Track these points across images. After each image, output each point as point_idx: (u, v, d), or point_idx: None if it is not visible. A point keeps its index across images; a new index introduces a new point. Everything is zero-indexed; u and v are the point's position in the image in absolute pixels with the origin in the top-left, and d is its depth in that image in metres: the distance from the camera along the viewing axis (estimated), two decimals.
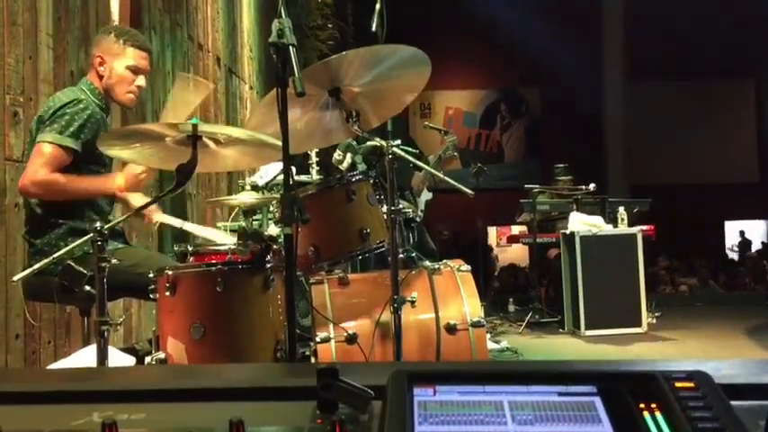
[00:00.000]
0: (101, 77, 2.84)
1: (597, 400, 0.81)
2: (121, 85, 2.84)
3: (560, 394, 0.82)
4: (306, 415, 0.82)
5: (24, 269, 2.34)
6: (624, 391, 0.82)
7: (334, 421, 0.77)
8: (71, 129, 2.65)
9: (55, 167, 2.63)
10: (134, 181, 2.79)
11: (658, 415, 0.78)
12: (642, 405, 0.79)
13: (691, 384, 0.81)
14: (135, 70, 2.85)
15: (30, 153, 2.73)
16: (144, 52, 2.89)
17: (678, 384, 0.81)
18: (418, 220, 5.14)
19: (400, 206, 2.58)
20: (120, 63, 2.83)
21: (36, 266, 2.13)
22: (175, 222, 3.07)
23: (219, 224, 4.51)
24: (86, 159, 2.73)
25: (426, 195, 5.37)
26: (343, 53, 2.51)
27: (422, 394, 0.82)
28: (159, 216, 3.08)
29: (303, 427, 0.79)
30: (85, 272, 2.33)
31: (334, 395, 0.81)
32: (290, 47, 2.02)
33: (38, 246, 2.70)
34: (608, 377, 0.84)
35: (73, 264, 2.37)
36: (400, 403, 0.78)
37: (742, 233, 15.89)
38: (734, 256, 14.97)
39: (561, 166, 7.04)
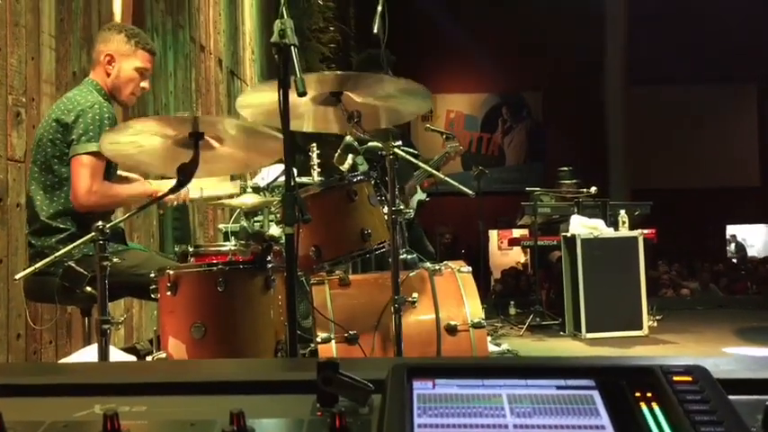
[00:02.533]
0: (108, 75, 2.84)
1: (596, 394, 0.81)
2: (128, 86, 2.87)
3: (559, 388, 0.82)
4: (306, 408, 0.82)
5: (26, 269, 2.34)
6: (622, 384, 0.82)
7: (334, 414, 0.78)
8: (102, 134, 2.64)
9: (101, 176, 2.67)
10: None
11: (656, 408, 0.78)
12: (640, 398, 0.79)
13: (689, 378, 0.81)
14: (142, 72, 2.88)
15: (39, 154, 2.72)
16: (152, 56, 2.94)
17: (676, 378, 0.81)
18: (408, 218, 5.11)
19: (401, 207, 2.59)
20: (130, 64, 2.85)
21: (38, 265, 2.14)
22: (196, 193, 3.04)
23: (221, 226, 4.52)
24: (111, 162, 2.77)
25: (419, 195, 5.33)
26: (353, 73, 2.53)
27: (421, 387, 0.82)
28: (191, 193, 3.03)
29: (303, 420, 0.80)
30: (86, 273, 2.34)
31: (335, 388, 0.82)
32: (292, 47, 2.02)
33: (38, 248, 2.70)
34: (606, 371, 0.85)
35: (74, 265, 2.38)
36: (400, 396, 0.79)
37: (734, 237, 15.86)
38: (735, 260, 14.92)
39: (566, 169, 7.01)
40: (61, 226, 2.70)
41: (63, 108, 2.73)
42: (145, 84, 2.91)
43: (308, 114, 2.73)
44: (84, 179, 2.64)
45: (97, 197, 2.66)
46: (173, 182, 2.80)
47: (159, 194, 2.73)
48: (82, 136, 2.65)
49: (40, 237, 2.71)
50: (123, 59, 2.84)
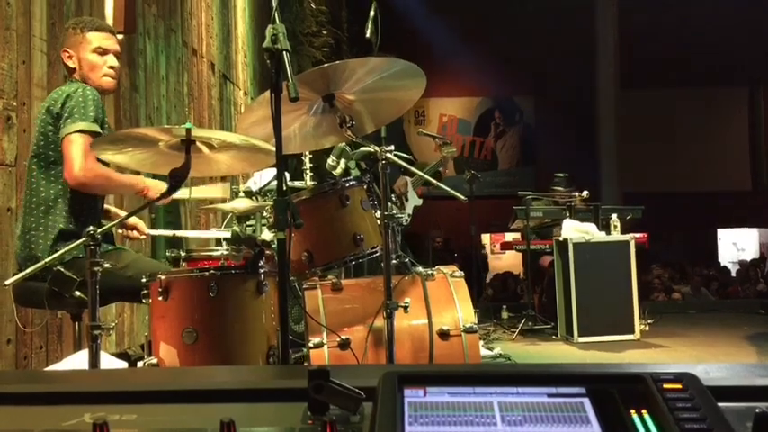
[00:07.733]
0: (75, 71, 2.83)
1: (586, 402, 0.81)
2: (95, 71, 2.82)
3: (550, 395, 0.82)
4: (297, 416, 0.82)
5: (16, 274, 2.33)
6: (613, 392, 0.82)
7: (325, 422, 0.77)
8: (90, 113, 2.64)
9: (92, 154, 2.62)
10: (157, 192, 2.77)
11: (646, 416, 0.78)
12: (630, 406, 0.80)
13: (679, 386, 0.82)
14: (102, 52, 2.83)
15: (35, 147, 2.72)
16: (105, 33, 2.87)
17: (666, 386, 0.81)
18: (404, 224, 5.11)
19: (393, 212, 2.59)
20: (85, 50, 2.82)
21: (28, 270, 2.13)
22: (167, 233, 3.07)
23: (213, 229, 4.51)
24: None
25: (416, 201, 5.34)
26: (339, 62, 2.53)
27: (412, 395, 0.82)
28: (150, 231, 3.11)
29: (294, 428, 0.80)
30: (75, 277, 2.33)
31: (325, 396, 0.82)
32: (284, 52, 2.02)
33: (28, 250, 2.67)
34: (597, 379, 0.85)
35: (63, 269, 2.37)
36: (390, 404, 0.79)
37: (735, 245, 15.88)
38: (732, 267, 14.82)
39: (561, 175, 6.95)
40: (50, 226, 2.67)
41: (50, 100, 2.73)
42: (113, 62, 2.85)
43: (304, 134, 2.74)
44: (76, 156, 2.61)
45: (92, 175, 2.63)
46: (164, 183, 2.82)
47: (150, 193, 2.76)
48: (68, 118, 2.64)
49: (29, 238, 2.68)
50: (78, 49, 2.82)
